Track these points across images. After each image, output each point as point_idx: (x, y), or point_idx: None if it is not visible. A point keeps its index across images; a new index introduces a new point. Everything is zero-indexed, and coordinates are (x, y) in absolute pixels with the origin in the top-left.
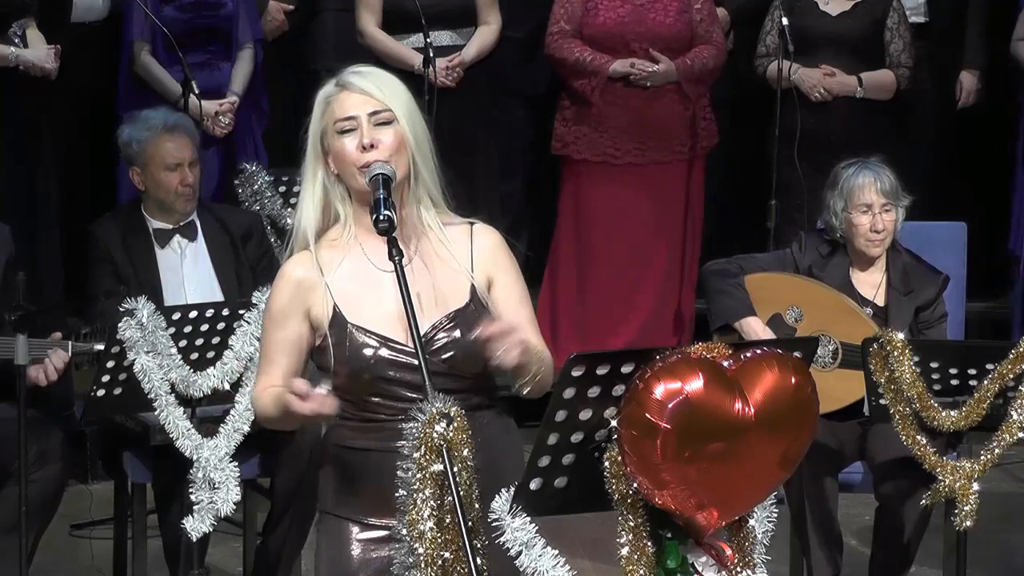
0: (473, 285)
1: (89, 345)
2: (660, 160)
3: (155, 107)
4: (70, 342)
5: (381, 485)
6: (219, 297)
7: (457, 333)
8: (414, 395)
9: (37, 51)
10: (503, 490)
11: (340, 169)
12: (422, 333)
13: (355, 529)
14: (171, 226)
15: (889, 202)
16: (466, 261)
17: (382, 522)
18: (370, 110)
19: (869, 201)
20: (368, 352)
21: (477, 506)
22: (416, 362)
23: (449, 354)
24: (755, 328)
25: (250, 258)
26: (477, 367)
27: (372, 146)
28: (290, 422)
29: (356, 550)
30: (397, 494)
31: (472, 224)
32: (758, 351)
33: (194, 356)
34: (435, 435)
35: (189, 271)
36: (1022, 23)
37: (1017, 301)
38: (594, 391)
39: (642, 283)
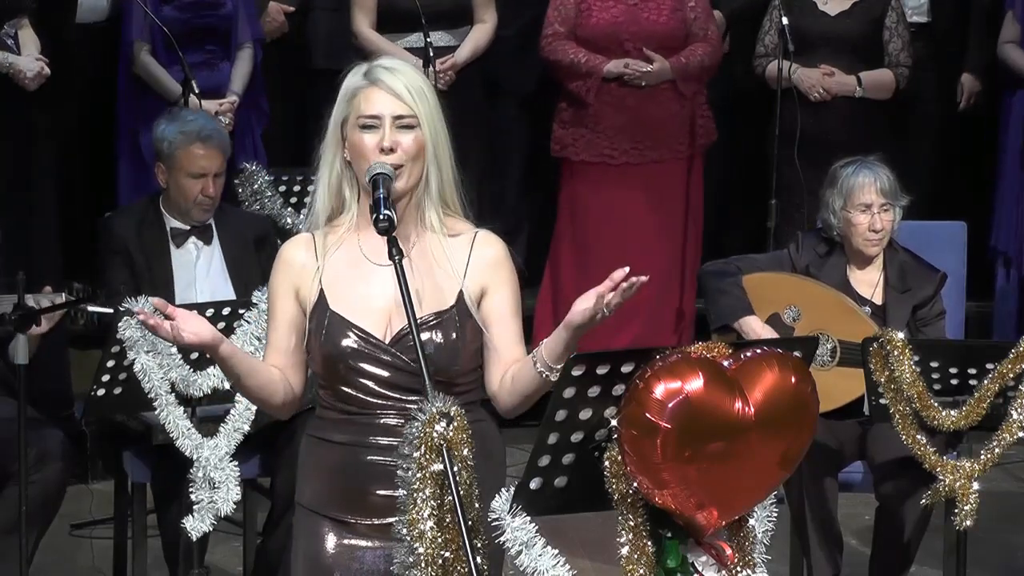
0: (461, 291)
1: (83, 305)
2: (658, 159)
3: (195, 111)
4: (63, 293)
5: (353, 480)
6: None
7: (435, 334)
8: (385, 391)
9: (26, 62)
10: (503, 490)
11: (353, 161)
12: (400, 329)
13: (329, 525)
14: (187, 226)
15: (888, 202)
16: (460, 267)
17: (354, 519)
18: (396, 112)
19: (868, 201)
20: (344, 342)
21: (477, 505)
22: (388, 359)
23: (424, 353)
24: (754, 327)
25: (263, 263)
26: (450, 371)
27: (392, 149)
28: (234, 381)
29: (330, 547)
30: (379, 492)
31: (477, 232)
32: (758, 351)
33: (194, 355)
34: (435, 435)
35: (202, 272)
36: (1008, 26)
37: (1009, 300)
38: (594, 390)
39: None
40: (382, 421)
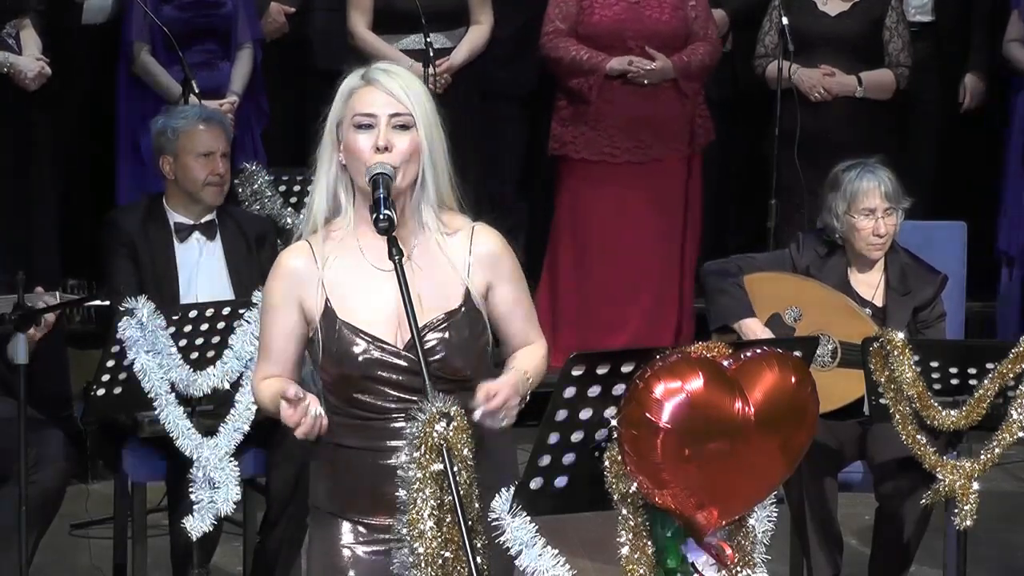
0: (467, 288)
1: (76, 296)
2: (658, 158)
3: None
4: (58, 292)
5: (369, 483)
6: (230, 298)
7: (447, 335)
8: (401, 395)
9: (27, 62)
10: (503, 490)
11: (348, 162)
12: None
13: (345, 526)
14: (192, 221)
15: (891, 206)
16: (463, 264)
17: (372, 520)
18: (392, 111)
19: (872, 206)
20: (356, 351)
21: (477, 505)
22: (404, 363)
23: (438, 355)
24: (754, 329)
25: (262, 263)
26: (466, 370)
27: (387, 148)
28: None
29: (347, 547)
30: (396, 493)
31: (474, 226)
32: (758, 351)
33: (194, 356)
34: (435, 435)
35: (204, 269)
36: (1014, 24)
37: (1011, 300)
38: (594, 390)
39: (642, 282)
40: (397, 425)
